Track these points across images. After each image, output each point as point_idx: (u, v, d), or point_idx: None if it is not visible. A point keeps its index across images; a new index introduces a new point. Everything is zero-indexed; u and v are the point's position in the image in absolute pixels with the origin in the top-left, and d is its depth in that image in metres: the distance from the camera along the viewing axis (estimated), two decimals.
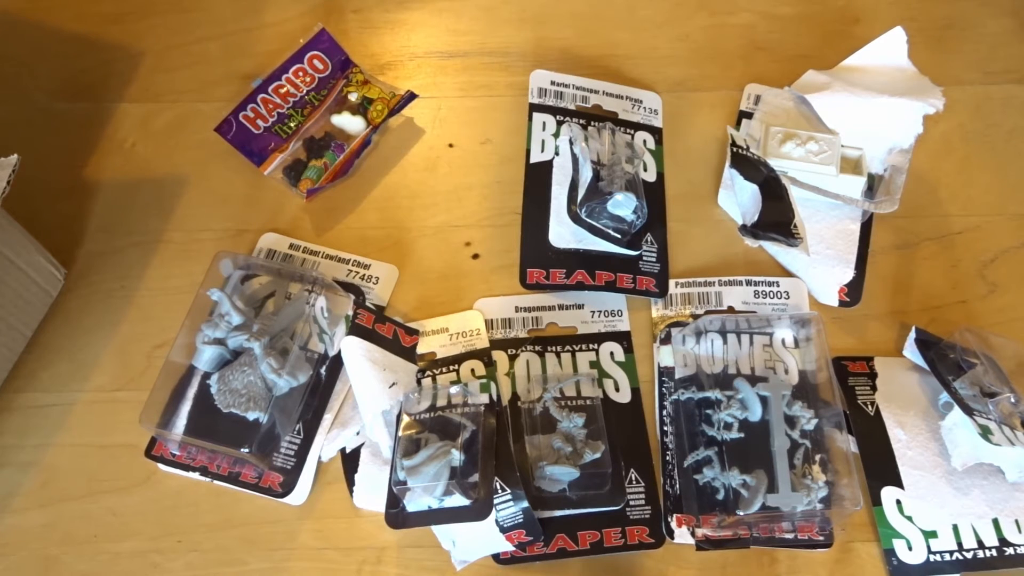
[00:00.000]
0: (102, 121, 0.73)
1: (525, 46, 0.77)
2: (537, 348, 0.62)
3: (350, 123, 0.72)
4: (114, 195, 0.70)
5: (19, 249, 0.61)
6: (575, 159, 0.68)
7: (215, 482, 0.58)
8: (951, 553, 0.54)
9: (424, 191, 0.70)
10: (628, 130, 0.72)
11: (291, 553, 0.56)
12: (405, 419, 0.57)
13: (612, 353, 0.62)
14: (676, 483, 0.57)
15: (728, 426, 0.57)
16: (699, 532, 0.55)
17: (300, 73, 0.72)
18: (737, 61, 0.76)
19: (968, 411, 0.55)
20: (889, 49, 0.70)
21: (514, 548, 0.55)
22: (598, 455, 0.56)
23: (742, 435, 0.57)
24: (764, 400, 0.58)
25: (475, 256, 0.67)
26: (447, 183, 0.70)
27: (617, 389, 0.61)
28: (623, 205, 0.63)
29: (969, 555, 0.54)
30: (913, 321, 0.63)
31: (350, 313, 0.60)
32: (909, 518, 0.56)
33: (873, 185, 0.68)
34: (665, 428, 0.59)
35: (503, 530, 0.54)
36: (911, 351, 0.61)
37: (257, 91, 0.70)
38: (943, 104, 0.66)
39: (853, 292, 0.64)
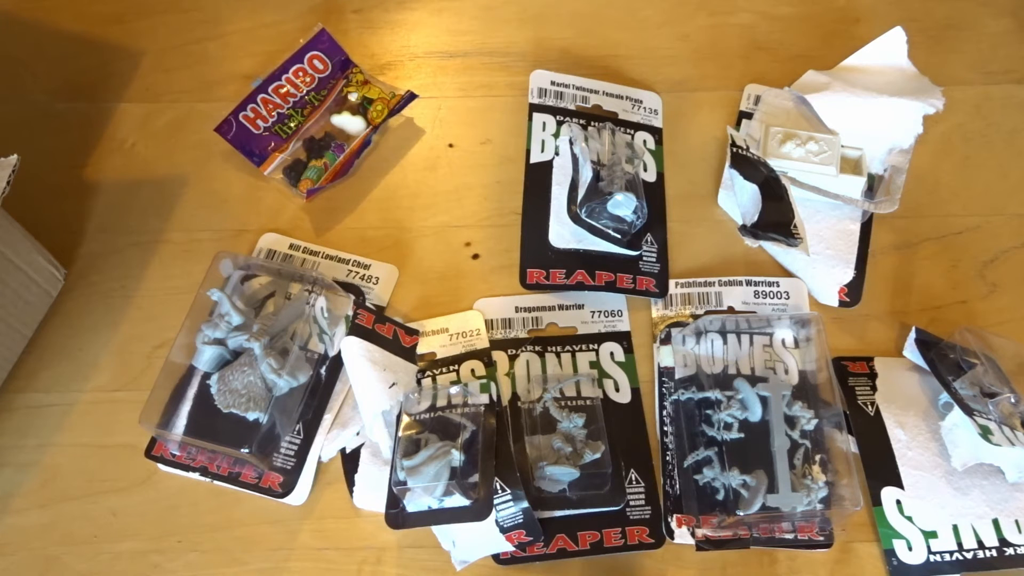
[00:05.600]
0: (102, 121, 0.73)
1: (525, 46, 0.77)
2: (537, 348, 0.62)
3: (350, 123, 0.72)
4: (114, 195, 0.70)
5: (19, 249, 0.61)
6: (575, 159, 0.68)
7: (215, 482, 0.58)
8: (951, 553, 0.54)
9: (424, 191, 0.70)
10: (628, 130, 0.72)
11: (291, 553, 0.56)
12: (405, 419, 0.57)
13: (612, 353, 0.62)
14: (676, 483, 0.57)
15: (728, 426, 0.57)
16: (699, 532, 0.55)
17: (300, 73, 0.72)
18: (737, 61, 0.76)
19: (968, 411, 0.55)
20: (889, 49, 0.70)
21: (514, 548, 0.55)
22: (598, 455, 0.56)
23: (742, 435, 0.57)
24: (764, 400, 0.58)
25: (475, 256, 0.67)
26: (447, 183, 0.70)
27: (617, 389, 0.61)
28: (623, 205, 0.63)
29: (969, 555, 0.54)
30: (913, 321, 0.63)
31: (350, 313, 0.60)
32: (909, 518, 0.56)
33: (873, 185, 0.68)
34: (665, 428, 0.59)
35: (503, 530, 0.54)
36: (911, 351, 0.61)
37: (257, 91, 0.70)
38: (943, 104, 0.66)
39: (853, 292, 0.64)
